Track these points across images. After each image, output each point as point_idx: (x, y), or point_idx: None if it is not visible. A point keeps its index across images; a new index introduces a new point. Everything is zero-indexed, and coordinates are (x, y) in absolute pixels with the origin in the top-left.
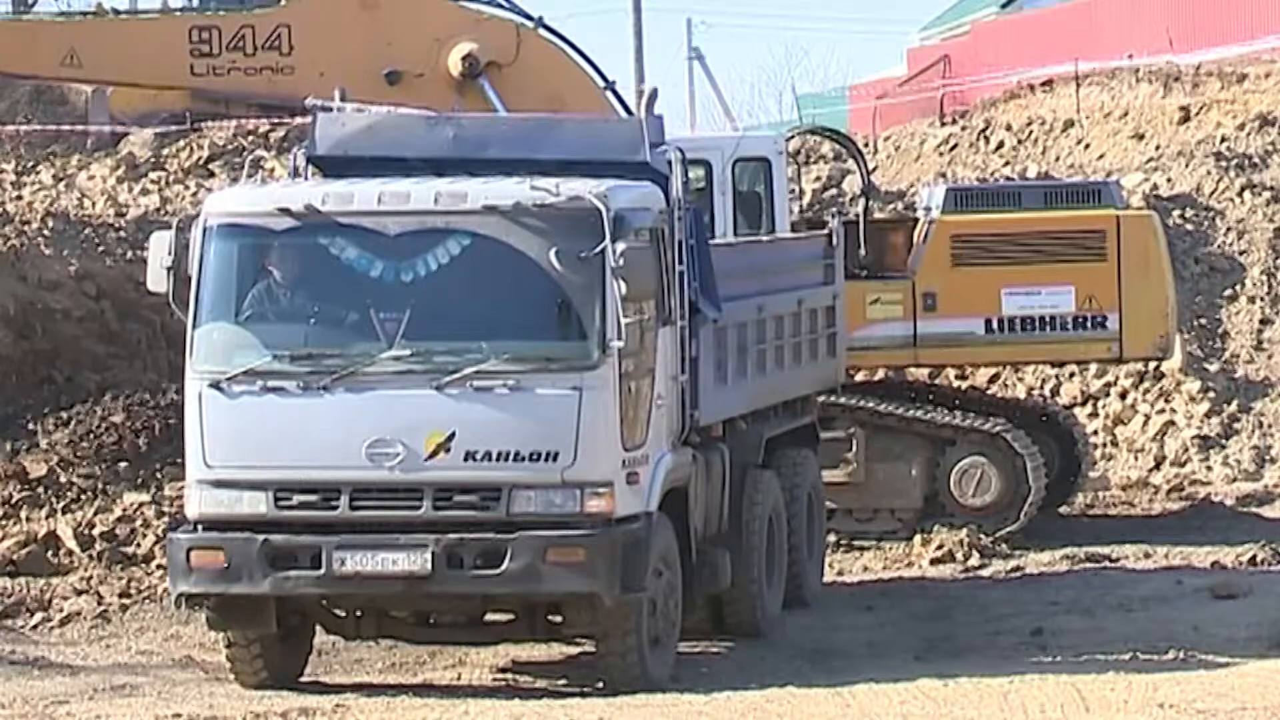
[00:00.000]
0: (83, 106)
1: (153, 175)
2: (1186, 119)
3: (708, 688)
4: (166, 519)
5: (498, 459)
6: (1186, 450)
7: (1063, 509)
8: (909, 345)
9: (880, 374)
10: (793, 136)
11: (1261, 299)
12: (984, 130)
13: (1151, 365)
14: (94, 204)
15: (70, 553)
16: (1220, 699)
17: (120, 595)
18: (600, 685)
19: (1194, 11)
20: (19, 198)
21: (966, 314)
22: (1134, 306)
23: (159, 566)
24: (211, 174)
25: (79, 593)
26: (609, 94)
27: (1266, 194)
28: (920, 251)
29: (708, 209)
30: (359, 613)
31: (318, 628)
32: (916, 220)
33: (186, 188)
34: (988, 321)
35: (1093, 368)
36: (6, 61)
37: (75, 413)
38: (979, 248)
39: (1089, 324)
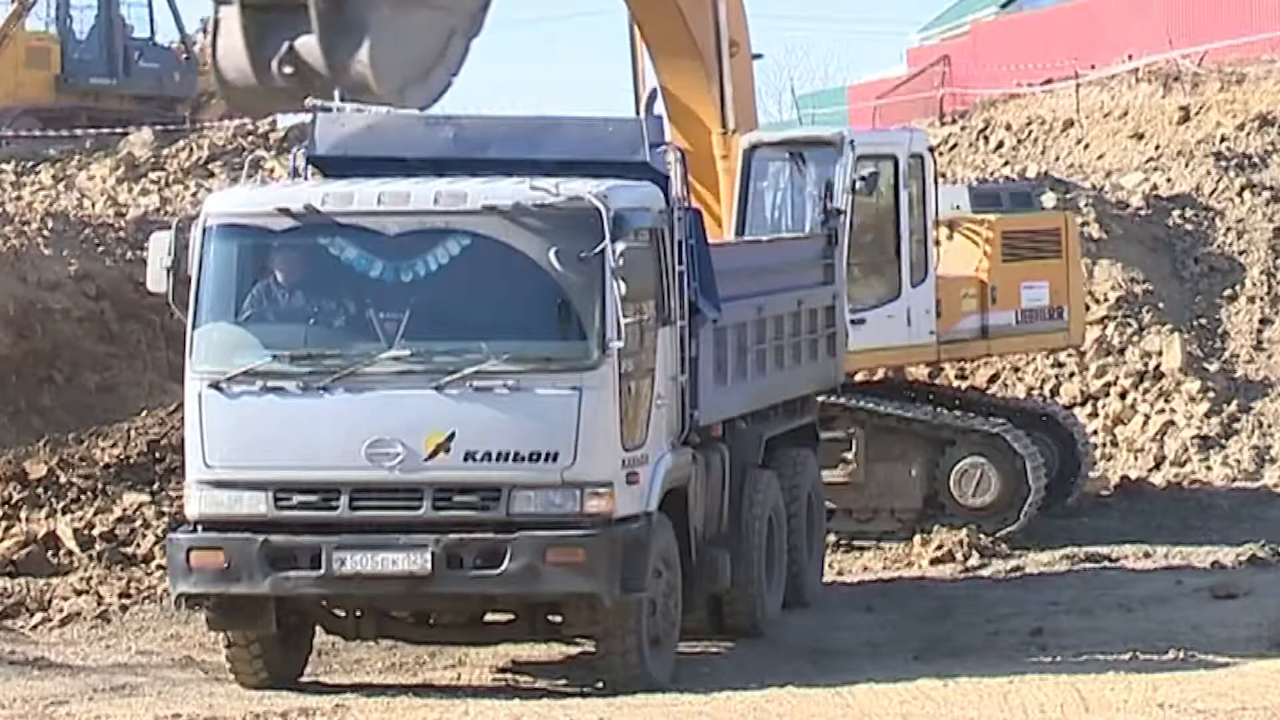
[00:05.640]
0: None
1: (152, 175)
2: (1186, 119)
3: (708, 688)
4: (166, 519)
5: (497, 459)
6: (1186, 450)
7: (1068, 501)
8: (981, 337)
9: (880, 374)
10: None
11: (1261, 299)
12: (983, 130)
13: (1151, 365)
14: (94, 204)
15: (70, 553)
16: (1220, 699)
17: (120, 595)
18: (600, 685)
19: (1194, 11)
20: (19, 198)
21: (1009, 307)
22: (1076, 298)
23: (159, 566)
24: (211, 174)
25: (79, 593)
26: (754, 63)
27: (1266, 194)
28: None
29: (894, 204)
30: (359, 613)
31: (318, 628)
32: None
33: (186, 188)
34: (1016, 314)
35: (1092, 367)
36: None
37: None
38: (1014, 246)
39: (1058, 315)
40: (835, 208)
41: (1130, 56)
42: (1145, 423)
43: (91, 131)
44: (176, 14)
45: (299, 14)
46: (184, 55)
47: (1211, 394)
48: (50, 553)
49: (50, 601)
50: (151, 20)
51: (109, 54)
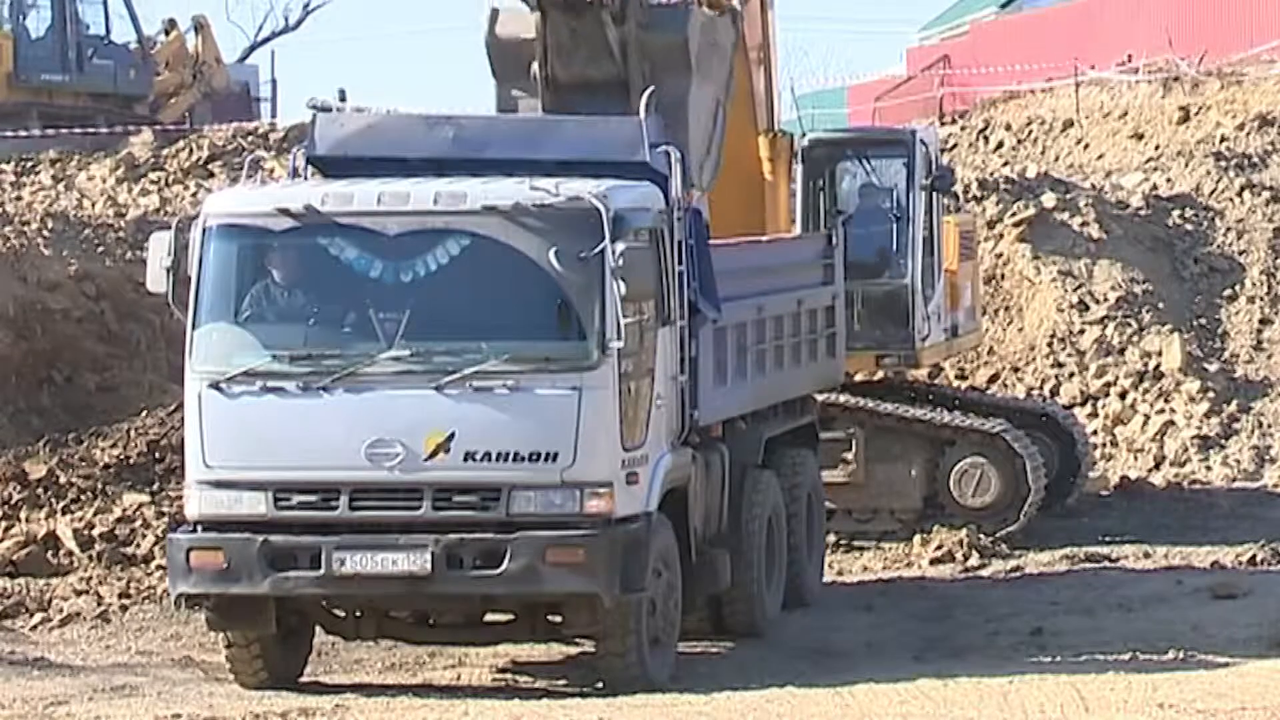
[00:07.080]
0: None
1: (152, 175)
2: (1186, 119)
3: (708, 688)
4: (166, 519)
5: (497, 459)
6: (1186, 450)
7: (1068, 501)
8: (952, 336)
9: (880, 374)
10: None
11: (1261, 299)
12: (983, 130)
13: (1151, 365)
14: (93, 204)
15: (70, 553)
16: (1220, 699)
17: (120, 595)
18: (600, 685)
19: (1194, 12)
20: (19, 198)
21: (962, 307)
22: (979, 300)
23: (159, 567)
24: (211, 174)
25: (79, 593)
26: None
27: (1266, 194)
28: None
29: (929, 202)
30: (359, 613)
31: (318, 628)
32: None
33: (186, 188)
34: (964, 313)
35: (1092, 367)
36: None
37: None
38: (965, 246)
39: (973, 315)
40: (838, 208)
41: (1130, 57)
42: (1145, 423)
43: (50, 133)
44: (133, 13)
45: (603, 91)
46: (140, 55)
47: (1211, 394)
48: (50, 553)
49: (50, 601)
50: (107, 18)
51: (62, 51)
